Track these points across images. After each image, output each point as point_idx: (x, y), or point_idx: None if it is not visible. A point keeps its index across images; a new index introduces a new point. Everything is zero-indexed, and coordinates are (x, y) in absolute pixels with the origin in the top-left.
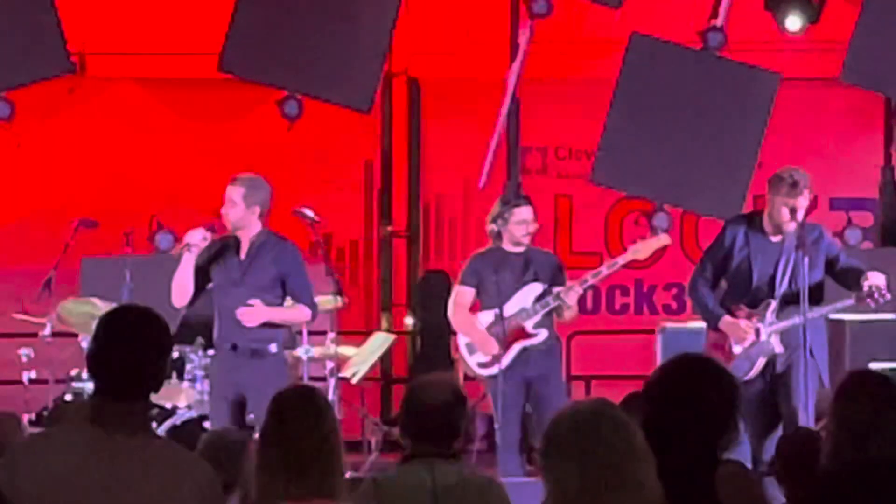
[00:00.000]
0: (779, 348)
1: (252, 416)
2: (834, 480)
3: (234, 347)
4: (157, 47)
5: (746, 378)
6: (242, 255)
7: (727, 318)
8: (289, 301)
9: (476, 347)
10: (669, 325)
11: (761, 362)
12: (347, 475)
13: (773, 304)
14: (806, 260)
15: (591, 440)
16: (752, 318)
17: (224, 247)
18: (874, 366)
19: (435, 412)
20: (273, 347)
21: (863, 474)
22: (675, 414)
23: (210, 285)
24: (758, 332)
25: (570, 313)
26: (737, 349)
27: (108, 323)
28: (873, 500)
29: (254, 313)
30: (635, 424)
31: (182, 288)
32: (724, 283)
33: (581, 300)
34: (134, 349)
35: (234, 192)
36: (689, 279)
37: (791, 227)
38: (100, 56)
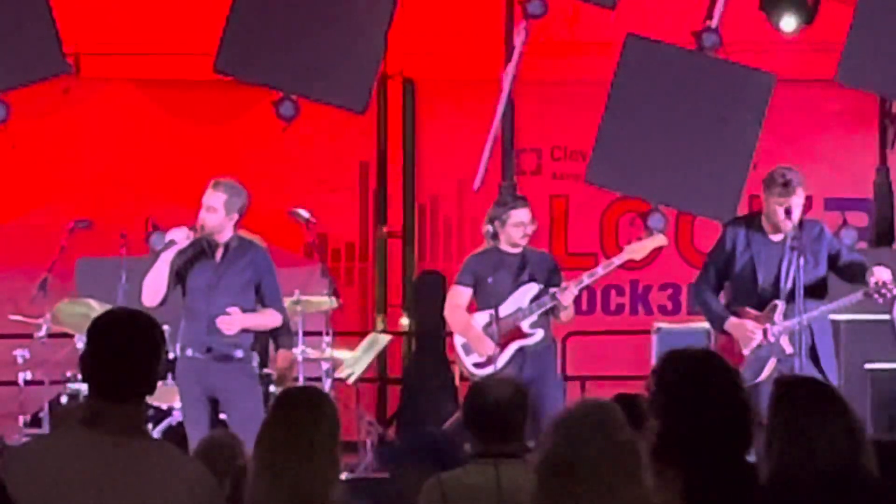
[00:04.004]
0: (788, 349)
1: (224, 415)
2: (786, 494)
3: (209, 350)
4: (152, 48)
5: (758, 380)
6: (218, 259)
7: (733, 319)
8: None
9: (471, 347)
10: (665, 325)
11: (772, 364)
12: (343, 476)
13: (780, 304)
14: (802, 261)
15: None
16: (760, 320)
17: (200, 250)
18: (869, 366)
19: (498, 409)
20: (239, 353)
21: (814, 486)
22: (692, 420)
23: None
24: (765, 333)
25: (566, 314)
26: (746, 352)
27: (99, 326)
28: None
29: (233, 321)
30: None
31: (157, 286)
32: (728, 287)
33: (576, 300)
34: (126, 351)
35: (216, 199)
36: (693, 286)
37: (788, 226)
38: (95, 57)
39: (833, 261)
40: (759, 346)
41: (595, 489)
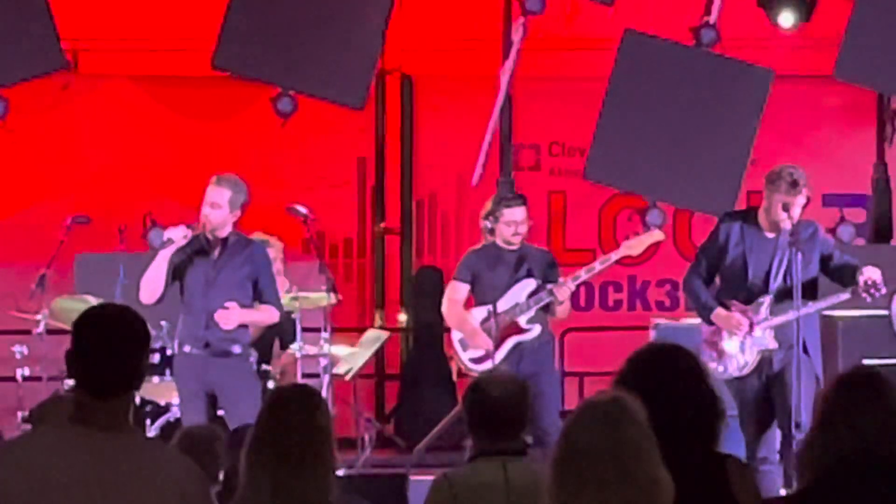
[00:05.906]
0: (772, 344)
1: (222, 411)
2: (836, 476)
3: (207, 346)
4: (150, 44)
5: (741, 374)
6: (216, 255)
7: (720, 310)
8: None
9: (468, 342)
10: (663, 321)
11: (756, 358)
12: (341, 472)
13: (768, 299)
14: (800, 256)
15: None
16: (746, 313)
17: (198, 247)
18: (867, 362)
19: (503, 406)
20: (237, 348)
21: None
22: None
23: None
24: (751, 326)
25: (562, 309)
26: (731, 344)
27: (83, 321)
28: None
29: (231, 316)
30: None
31: (155, 284)
32: (718, 280)
33: (574, 297)
34: (110, 346)
35: (220, 195)
36: (685, 274)
37: (787, 224)
38: (93, 53)
39: (825, 263)
40: (743, 340)
41: (611, 477)
